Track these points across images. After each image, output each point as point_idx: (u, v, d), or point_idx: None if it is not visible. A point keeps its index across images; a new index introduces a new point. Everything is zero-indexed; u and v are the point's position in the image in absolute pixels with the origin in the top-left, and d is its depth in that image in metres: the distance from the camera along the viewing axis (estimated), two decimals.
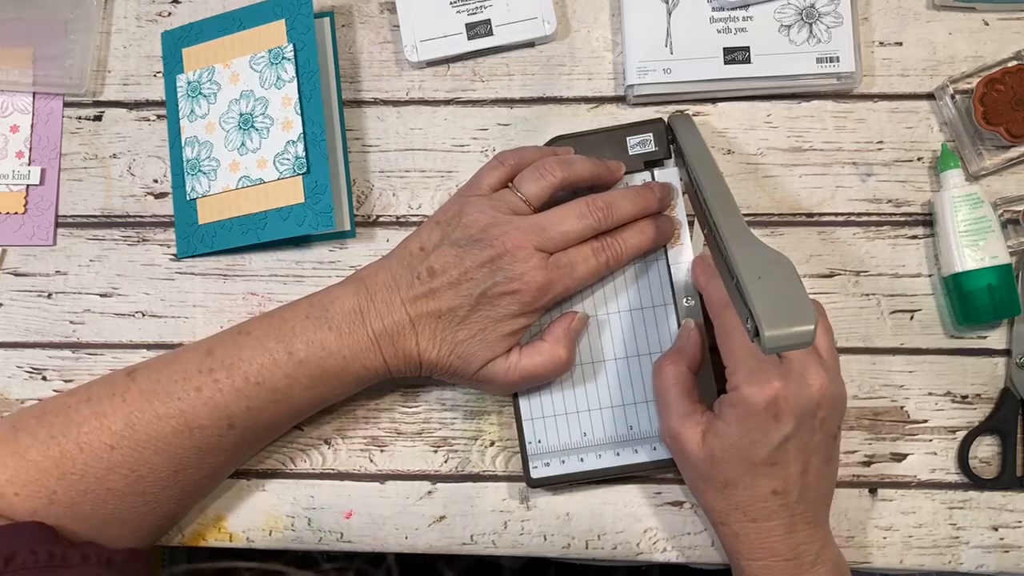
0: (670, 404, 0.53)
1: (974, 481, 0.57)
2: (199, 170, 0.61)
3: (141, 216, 0.62)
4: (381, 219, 0.61)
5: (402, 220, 0.61)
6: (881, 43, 0.61)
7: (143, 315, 0.61)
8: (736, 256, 0.48)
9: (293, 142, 0.59)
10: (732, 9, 0.59)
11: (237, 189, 0.60)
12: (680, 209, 0.58)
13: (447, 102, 0.62)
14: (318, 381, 0.52)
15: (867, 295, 0.59)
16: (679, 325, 0.56)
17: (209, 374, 0.51)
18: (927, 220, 0.59)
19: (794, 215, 0.60)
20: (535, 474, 0.56)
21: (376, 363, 0.52)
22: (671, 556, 0.57)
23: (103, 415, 0.51)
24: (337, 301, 0.52)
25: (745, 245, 0.48)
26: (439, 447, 0.59)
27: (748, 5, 0.59)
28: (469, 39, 0.61)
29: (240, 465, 0.58)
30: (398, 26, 0.61)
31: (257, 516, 0.59)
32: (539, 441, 0.56)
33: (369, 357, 0.52)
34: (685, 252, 0.57)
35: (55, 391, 0.60)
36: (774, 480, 0.50)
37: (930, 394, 0.58)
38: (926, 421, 0.58)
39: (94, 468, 0.50)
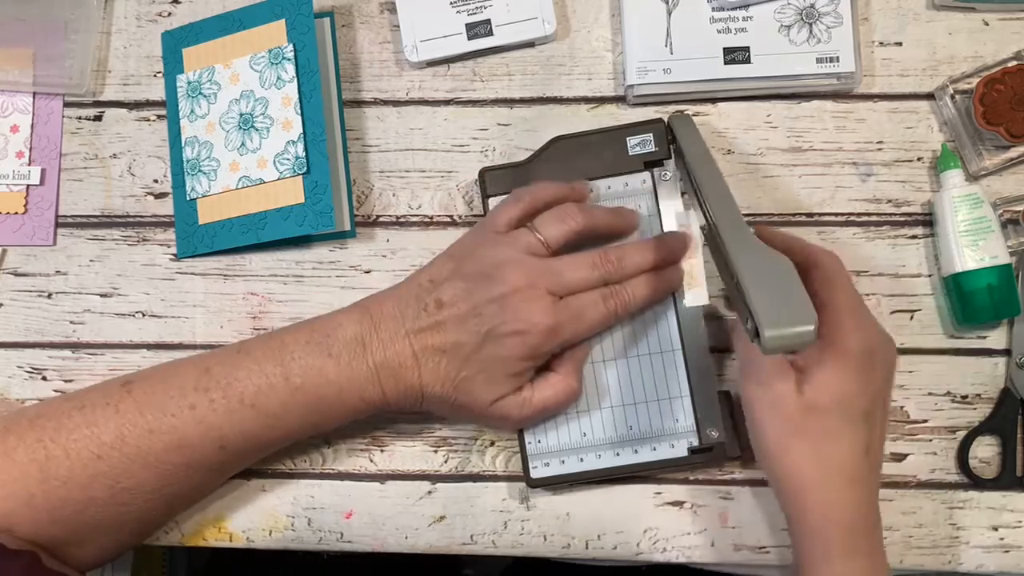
0: (762, 360, 0.51)
1: (974, 481, 0.57)
2: (199, 170, 0.61)
3: (141, 216, 0.62)
4: (381, 219, 0.61)
5: (402, 220, 0.61)
6: (881, 43, 0.61)
7: (143, 315, 0.61)
8: (736, 257, 0.48)
9: (293, 142, 0.59)
10: (732, 9, 0.59)
11: (237, 189, 0.60)
12: (699, 256, 0.56)
13: (447, 102, 0.62)
14: (313, 409, 0.51)
15: (867, 295, 0.59)
16: (679, 325, 0.56)
17: (205, 392, 0.51)
18: (927, 220, 0.59)
19: (794, 215, 0.60)
20: (535, 474, 0.56)
21: (374, 395, 0.51)
22: (671, 556, 0.57)
23: (94, 424, 0.50)
24: (340, 328, 0.51)
25: (744, 246, 0.49)
26: (439, 447, 0.59)
27: (748, 5, 0.59)
28: (469, 39, 0.61)
29: (226, 480, 0.58)
30: (398, 26, 0.61)
31: (257, 516, 0.59)
32: (539, 441, 0.56)
33: (368, 388, 0.51)
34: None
35: (55, 391, 0.61)
36: (866, 435, 0.49)
37: (930, 394, 0.58)
38: (926, 421, 0.58)
39: (78, 475, 0.49)
